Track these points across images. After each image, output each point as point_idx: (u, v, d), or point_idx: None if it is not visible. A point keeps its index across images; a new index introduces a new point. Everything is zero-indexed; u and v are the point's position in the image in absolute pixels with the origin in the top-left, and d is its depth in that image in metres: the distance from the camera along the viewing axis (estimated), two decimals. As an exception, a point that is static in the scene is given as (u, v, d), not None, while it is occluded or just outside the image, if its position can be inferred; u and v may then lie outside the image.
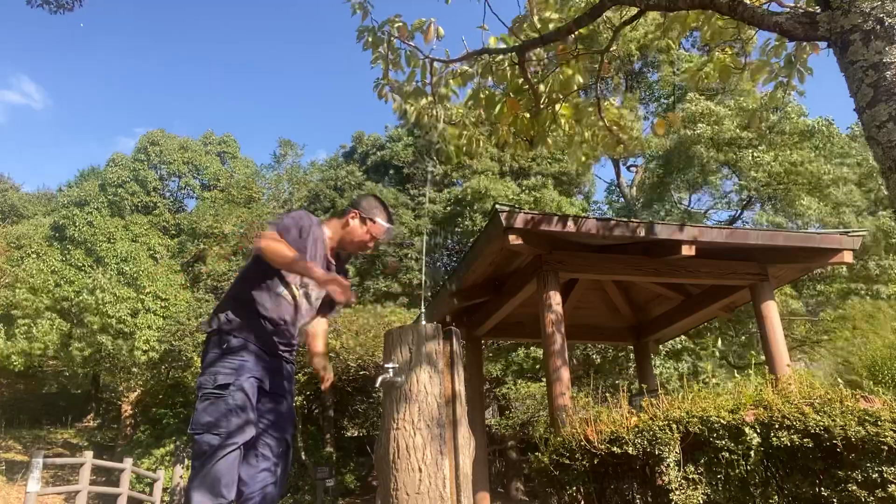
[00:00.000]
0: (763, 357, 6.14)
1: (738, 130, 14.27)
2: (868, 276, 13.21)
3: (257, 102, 67.06)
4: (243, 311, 2.61)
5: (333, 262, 2.87)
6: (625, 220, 5.67)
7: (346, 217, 2.87)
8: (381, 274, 18.23)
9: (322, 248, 2.77)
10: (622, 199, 20.87)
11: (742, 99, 14.90)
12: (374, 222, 2.85)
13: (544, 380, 9.05)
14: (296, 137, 63.40)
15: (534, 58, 4.39)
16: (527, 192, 17.92)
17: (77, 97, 65.17)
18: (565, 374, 5.34)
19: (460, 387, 2.73)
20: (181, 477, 12.03)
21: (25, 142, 67.02)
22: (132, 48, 60.74)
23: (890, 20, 2.36)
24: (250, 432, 2.44)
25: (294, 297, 2.70)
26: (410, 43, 4.11)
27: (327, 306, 2.94)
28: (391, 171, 21.99)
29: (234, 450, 2.37)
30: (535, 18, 4.18)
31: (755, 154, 13.66)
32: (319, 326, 2.97)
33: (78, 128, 67.85)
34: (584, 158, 4.81)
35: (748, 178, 14.24)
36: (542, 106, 4.42)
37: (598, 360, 13.48)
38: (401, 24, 4.00)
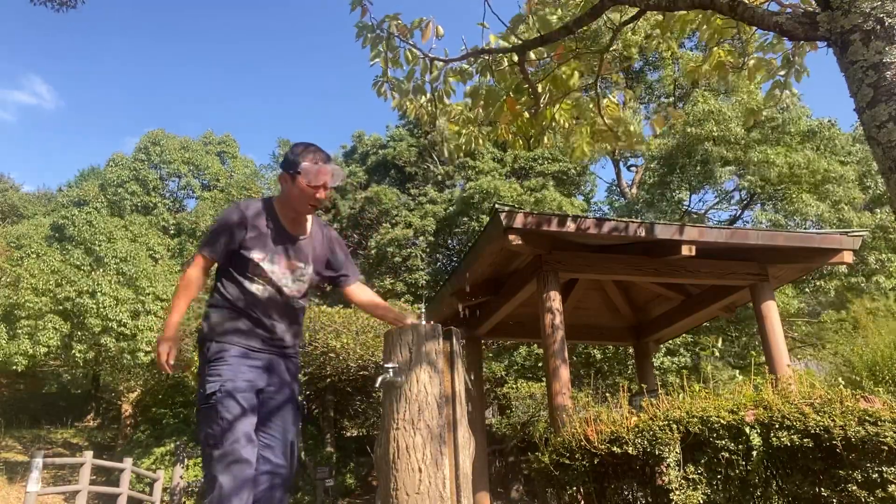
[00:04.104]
0: (763, 357, 6.14)
1: (744, 130, 14.27)
2: (868, 271, 13.27)
3: (257, 102, 67.05)
4: (218, 314, 2.60)
5: (303, 236, 2.72)
6: (625, 220, 5.66)
7: (281, 186, 2.72)
8: None
9: (278, 236, 2.65)
10: (622, 199, 20.86)
11: (745, 98, 14.90)
12: (300, 172, 2.59)
13: (545, 379, 9.05)
14: (296, 137, 63.27)
15: (533, 57, 4.37)
16: (528, 192, 17.90)
17: (87, 97, 65.30)
18: (565, 373, 5.34)
19: (460, 387, 2.73)
20: (181, 477, 12.03)
21: (36, 141, 67.23)
22: (139, 48, 60.85)
23: (890, 20, 2.35)
24: (246, 437, 2.40)
25: (270, 282, 2.62)
26: (410, 41, 4.10)
27: (334, 279, 2.87)
28: (392, 172, 21.97)
29: (233, 460, 2.34)
30: (534, 18, 4.18)
31: (768, 151, 13.63)
32: (364, 295, 2.93)
33: (88, 128, 67.97)
34: (586, 149, 4.78)
35: (753, 176, 14.22)
36: (541, 105, 4.42)
37: (600, 357, 13.47)
38: (399, 21, 3.99)
